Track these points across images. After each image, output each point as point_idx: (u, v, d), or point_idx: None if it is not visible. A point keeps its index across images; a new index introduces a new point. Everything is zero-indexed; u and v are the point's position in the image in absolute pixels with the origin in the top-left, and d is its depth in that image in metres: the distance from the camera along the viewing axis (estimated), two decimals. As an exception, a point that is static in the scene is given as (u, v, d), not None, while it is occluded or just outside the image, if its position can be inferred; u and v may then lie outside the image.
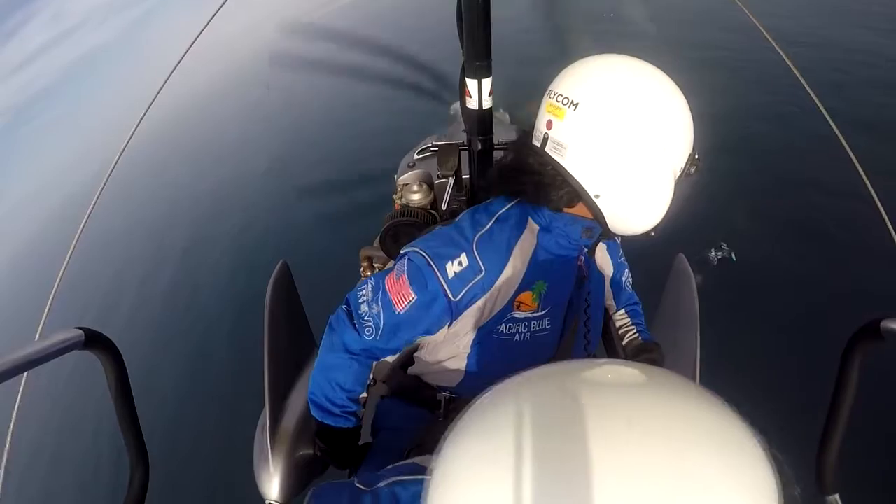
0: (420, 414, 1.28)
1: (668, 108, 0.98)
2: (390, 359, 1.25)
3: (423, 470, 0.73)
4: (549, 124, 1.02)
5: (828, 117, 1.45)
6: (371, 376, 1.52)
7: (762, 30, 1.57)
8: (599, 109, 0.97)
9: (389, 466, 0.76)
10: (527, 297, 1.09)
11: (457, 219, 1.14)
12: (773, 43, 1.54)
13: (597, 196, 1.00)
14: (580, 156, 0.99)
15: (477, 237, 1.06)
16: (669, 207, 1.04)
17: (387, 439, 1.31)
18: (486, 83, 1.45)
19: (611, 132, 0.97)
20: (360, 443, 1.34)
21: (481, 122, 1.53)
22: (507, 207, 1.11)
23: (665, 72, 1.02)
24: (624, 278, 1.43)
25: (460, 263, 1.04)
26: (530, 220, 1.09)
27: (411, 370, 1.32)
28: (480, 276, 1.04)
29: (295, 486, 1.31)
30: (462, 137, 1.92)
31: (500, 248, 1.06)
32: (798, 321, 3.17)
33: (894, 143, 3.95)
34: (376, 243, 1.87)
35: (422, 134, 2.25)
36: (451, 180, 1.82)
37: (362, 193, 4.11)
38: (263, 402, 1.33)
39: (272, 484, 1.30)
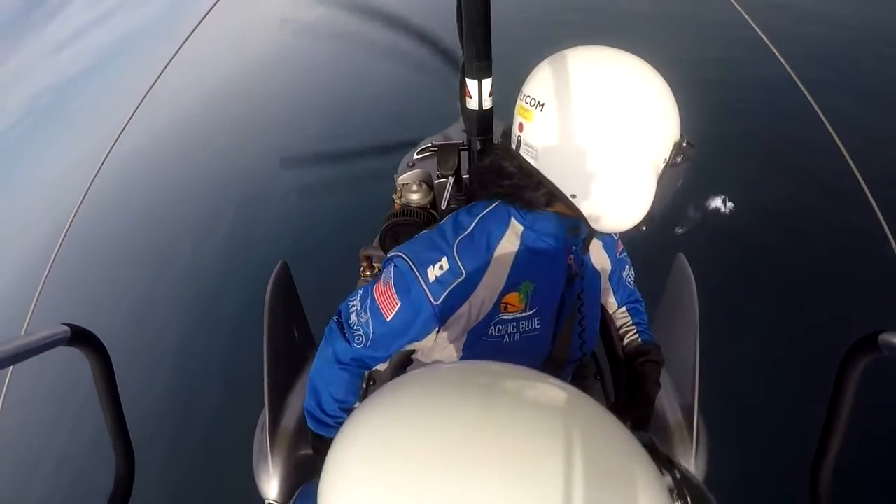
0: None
1: (640, 100, 0.94)
2: (382, 367, 1.24)
3: None
4: (521, 127, 1.01)
5: (804, 90, 1.43)
6: (370, 377, 1.52)
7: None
8: (565, 109, 0.95)
9: None
10: (513, 297, 1.08)
11: (441, 221, 1.13)
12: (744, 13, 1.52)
13: (573, 196, 0.99)
14: (551, 158, 0.98)
15: (458, 240, 1.05)
16: (657, 199, 1.01)
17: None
18: (487, 83, 1.45)
19: (578, 132, 0.94)
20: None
21: (481, 122, 1.53)
22: (489, 209, 1.09)
23: (659, 59, 0.98)
24: (625, 274, 1.41)
25: (441, 267, 1.03)
26: (513, 220, 1.07)
27: (410, 370, 1.32)
28: (461, 278, 1.03)
29: (294, 486, 1.32)
30: (462, 137, 1.92)
31: (480, 251, 1.05)
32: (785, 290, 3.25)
33: (869, 109, 4.01)
34: (376, 243, 1.87)
35: (422, 133, 2.25)
36: (451, 180, 1.83)
37: (362, 193, 4.11)
38: (263, 402, 1.33)
39: (272, 484, 1.30)
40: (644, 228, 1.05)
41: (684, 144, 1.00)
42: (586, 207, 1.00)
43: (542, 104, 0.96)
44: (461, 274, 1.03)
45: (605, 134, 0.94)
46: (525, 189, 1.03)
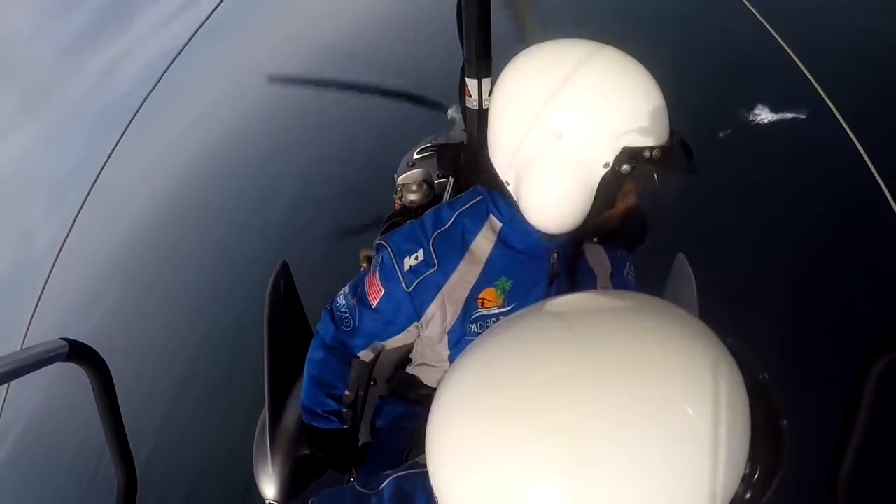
0: (419, 413, 1.28)
1: (568, 91, 0.87)
2: (365, 357, 1.25)
3: (422, 466, 0.73)
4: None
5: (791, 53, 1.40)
6: (371, 377, 1.52)
7: None
8: (498, 98, 1.00)
9: (387, 471, 0.76)
10: (490, 293, 1.09)
11: (425, 213, 1.16)
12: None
13: (507, 183, 1.02)
14: (492, 144, 1.03)
15: (435, 233, 1.09)
16: (600, 207, 0.94)
17: (386, 439, 1.31)
18: (486, 83, 1.46)
19: (506, 120, 0.98)
20: (361, 443, 1.34)
21: (481, 121, 1.53)
22: (468, 205, 1.12)
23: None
24: (626, 272, 1.37)
25: (416, 258, 1.07)
26: (491, 216, 1.10)
27: (409, 369, 1.32)
28: (433, 270, 1.06)
29: (295, 486, 1.31)
30: (462, 137, 1.92)
31: (454, 244, 1.08)
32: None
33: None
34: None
35: (423, 134, 2.25)
36: (451, 180, 1.83)
37: (362, 193, 4.11)
38: (263, 402, 1.34)
39: (272, 484, 1.30)
40: (595, 241, 1.06)
41: (645, 154, 0.87)
42: (520, 198, 1.01)
43: (492, 95, 1.03)
44: (434, 265, 1.07)
45: (521, 121, 0.94)
46: (477, 167, 1.09)
